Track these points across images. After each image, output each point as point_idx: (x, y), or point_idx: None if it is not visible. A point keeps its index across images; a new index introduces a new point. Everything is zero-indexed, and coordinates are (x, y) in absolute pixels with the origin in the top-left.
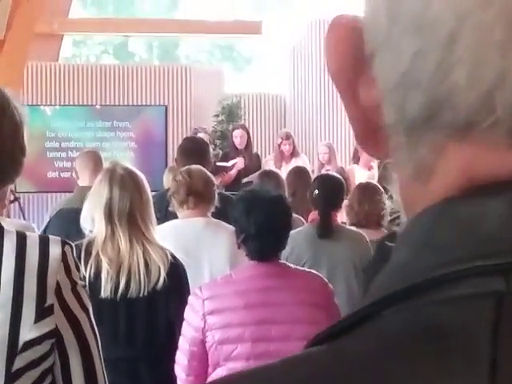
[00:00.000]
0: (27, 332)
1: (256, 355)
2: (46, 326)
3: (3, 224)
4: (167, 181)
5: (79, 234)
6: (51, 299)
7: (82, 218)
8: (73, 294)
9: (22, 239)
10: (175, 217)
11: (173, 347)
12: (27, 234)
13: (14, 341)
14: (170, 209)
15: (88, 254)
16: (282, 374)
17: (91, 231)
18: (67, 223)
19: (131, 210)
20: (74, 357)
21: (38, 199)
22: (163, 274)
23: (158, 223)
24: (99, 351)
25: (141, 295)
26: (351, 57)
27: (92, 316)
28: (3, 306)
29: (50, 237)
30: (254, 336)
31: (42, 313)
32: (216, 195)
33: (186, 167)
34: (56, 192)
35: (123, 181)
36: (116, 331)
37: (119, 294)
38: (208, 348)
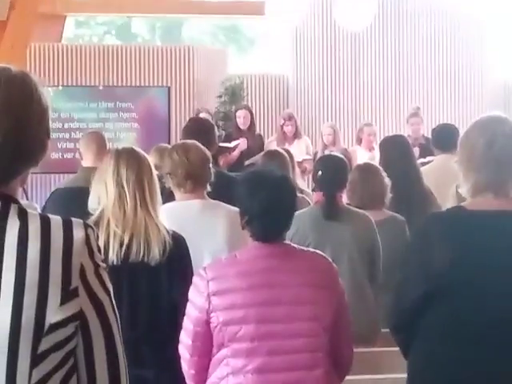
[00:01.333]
0: (53, 314)
1: (260, 336)
2: (72, 308)
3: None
4: (153, 160)
5: (78, 212)
6: (76, 282)
7: (89, 200)
8: (96, 277)
9: (45, 222)
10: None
11: (177, 328)
12: (50, 216)
13: (40, 323)
14: (166, 185)
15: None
16: None
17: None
18: (67, 201)
19: (139, 176)
20: (98, 339)
21: (42, 180)
22: (159, 252)
23: (163, 202)
24: (120, 333)
25: (143, 272)
26: None
27: (113, 297)
28: (29, 289)
29: (73, 220)
30: (258, 317)
31: (68, 295)
32: (212, 173)
33: (182, 142)
34: (59, 173)
35: (130, 153)
36: (119, 313)
37: (122, 256)
38: (212, 329)
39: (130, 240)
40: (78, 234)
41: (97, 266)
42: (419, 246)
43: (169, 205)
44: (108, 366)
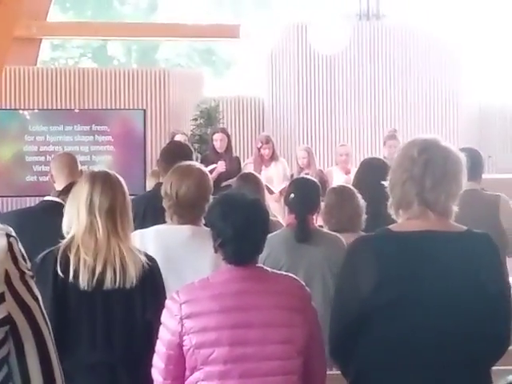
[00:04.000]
0: None
1: (233, 359)
2: None
3: None
4: (150, 185)
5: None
6: (1, 287)
7: (63, 223)
8: (22, 283)
9: None
10: (153, 221)
11: (151, 351)
12: None
13: None
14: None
15: (64, 256)
16: None
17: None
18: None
19: (111, 206)
20: (29, 342)
21: (17, 203)
22: (135, 275)
23: (136, 226)
24: (52, 338)
25: (117, 296)
26: None
27: (42, 305)
28: None
29: None
30: (230, 340)
31: None
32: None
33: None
34: (34, 196)
35: (104, 179)
36: (94, 336)
37: (95, 284)
38: (185, 352)
39: (104, 268)
40: (1, 242)
41: (22, 273)
42: (347, 270)
43: (159, 227)
44: (42, 370)
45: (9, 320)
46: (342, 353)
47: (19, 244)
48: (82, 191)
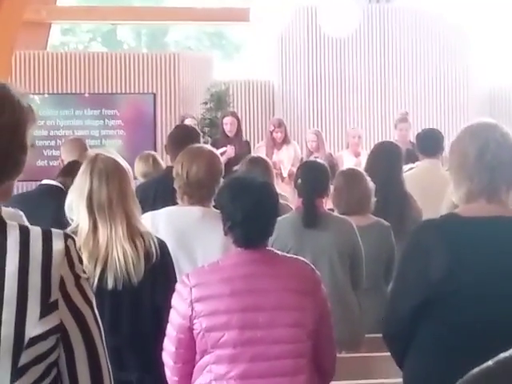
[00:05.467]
0: (33, 328)
1: (243, 342)
2: (51, 321)
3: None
4: (138, 170)
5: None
6: (56, 294)
7: (66, 208)
8: (76, 288)
9: (25, 234)
10: (164, 205)
11: (160, 334)
12: (30, 227)
13: (20, 337)
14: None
15: None
16: None
17: (72, 220)
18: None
19: (111, 203)
20: (79, 350)
21: (27, 188)
22: (142, 265)
23: (146, 210)
24: (103, 343)
25: (120, 288)
26: None
27: (95, 308)
28: (8, 303)
29: (53, 230)
30: (240, 323)
31: (47, 308)
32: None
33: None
34: None
35: (104, 173)
36: (100, 319)
37: (95, 285)
38: (195, 335)
39: (105, 274)
40: (58, 245)
41: (78, 278)
42: (414, 255)
43: (170, 208)
44: (91, 377)
45: (61, 328)
46: (402, 337)
47: (76, 245)
48: (82, 186)
